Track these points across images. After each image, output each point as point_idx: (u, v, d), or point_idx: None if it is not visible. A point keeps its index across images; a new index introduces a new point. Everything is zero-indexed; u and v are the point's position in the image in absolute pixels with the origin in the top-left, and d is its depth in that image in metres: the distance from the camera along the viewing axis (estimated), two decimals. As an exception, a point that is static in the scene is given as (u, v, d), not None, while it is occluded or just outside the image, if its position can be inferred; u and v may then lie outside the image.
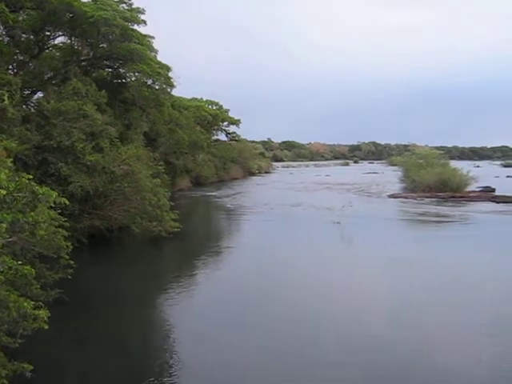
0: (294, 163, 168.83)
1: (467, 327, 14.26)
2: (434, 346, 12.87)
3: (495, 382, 10.95)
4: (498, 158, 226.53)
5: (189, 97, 75.69)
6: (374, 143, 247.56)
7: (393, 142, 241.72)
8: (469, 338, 13.48)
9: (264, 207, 43.48)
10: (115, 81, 36.47)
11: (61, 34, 33.13)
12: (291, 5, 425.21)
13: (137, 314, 15.89)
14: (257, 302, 16.81)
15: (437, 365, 11.58)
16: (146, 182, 25.70)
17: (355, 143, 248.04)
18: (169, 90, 38.89)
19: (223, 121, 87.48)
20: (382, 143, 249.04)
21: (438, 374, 11.19)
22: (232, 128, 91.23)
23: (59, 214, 13.39)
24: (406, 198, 50.96)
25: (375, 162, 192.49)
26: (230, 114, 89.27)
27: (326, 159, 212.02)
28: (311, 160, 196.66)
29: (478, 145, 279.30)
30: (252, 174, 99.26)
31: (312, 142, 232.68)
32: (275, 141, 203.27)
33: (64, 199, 10.67)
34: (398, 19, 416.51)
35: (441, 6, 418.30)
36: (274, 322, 14.64)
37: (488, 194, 52.20)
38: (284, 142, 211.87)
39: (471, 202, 47.14)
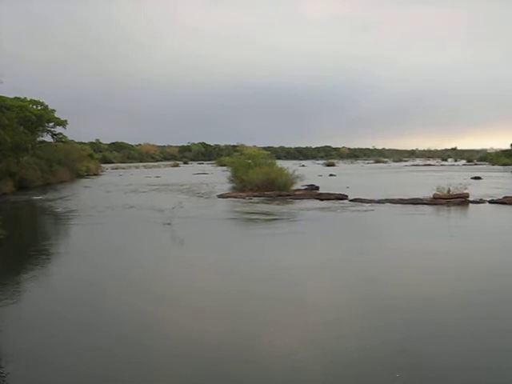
0: (124, 165, 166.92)
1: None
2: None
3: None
4: (322, 158, 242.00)
5: (11, 96, 72.33)
6: (203, 144, 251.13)
7: (222, 143, 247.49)
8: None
9: (93, 210, 42.59)
10: None
11: None
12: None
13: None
14: (83, 307, 16.58)
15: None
16: (-36, 187, 24.32)
17: (185, 144, 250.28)
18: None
19: (49, 121, 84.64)
20: (212, 144, 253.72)
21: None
22: (58, 129, 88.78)
23: None
24: (236, 197, 52.36)
25: (205, 162, 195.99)
26: (57, 115, 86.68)
27: (157, 160, 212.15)
28: (141, 161, 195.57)
29: (303, 145, 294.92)
30: (80, 176, 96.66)
31: (142, 144, 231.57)
32: (104, 142, 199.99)
33: None
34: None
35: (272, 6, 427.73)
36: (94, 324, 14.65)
37: (312, 192, 55.29)
38: (113, 144, 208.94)
39: (297, 200, 49.49)
